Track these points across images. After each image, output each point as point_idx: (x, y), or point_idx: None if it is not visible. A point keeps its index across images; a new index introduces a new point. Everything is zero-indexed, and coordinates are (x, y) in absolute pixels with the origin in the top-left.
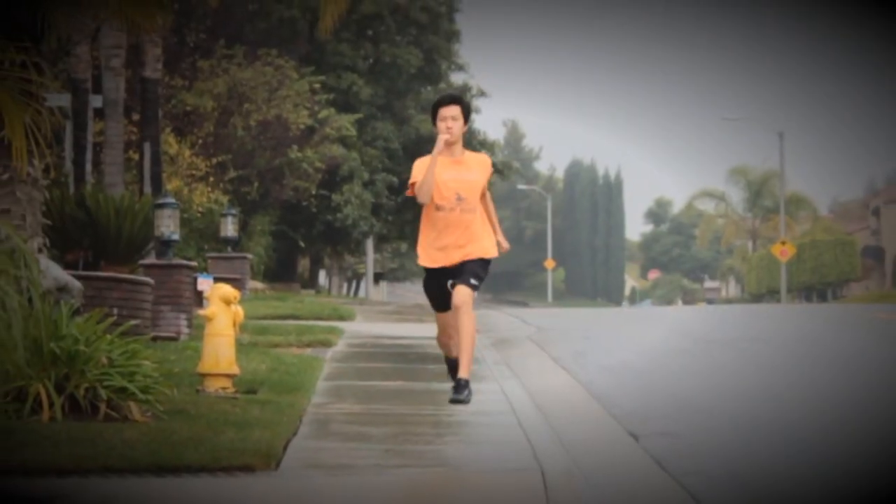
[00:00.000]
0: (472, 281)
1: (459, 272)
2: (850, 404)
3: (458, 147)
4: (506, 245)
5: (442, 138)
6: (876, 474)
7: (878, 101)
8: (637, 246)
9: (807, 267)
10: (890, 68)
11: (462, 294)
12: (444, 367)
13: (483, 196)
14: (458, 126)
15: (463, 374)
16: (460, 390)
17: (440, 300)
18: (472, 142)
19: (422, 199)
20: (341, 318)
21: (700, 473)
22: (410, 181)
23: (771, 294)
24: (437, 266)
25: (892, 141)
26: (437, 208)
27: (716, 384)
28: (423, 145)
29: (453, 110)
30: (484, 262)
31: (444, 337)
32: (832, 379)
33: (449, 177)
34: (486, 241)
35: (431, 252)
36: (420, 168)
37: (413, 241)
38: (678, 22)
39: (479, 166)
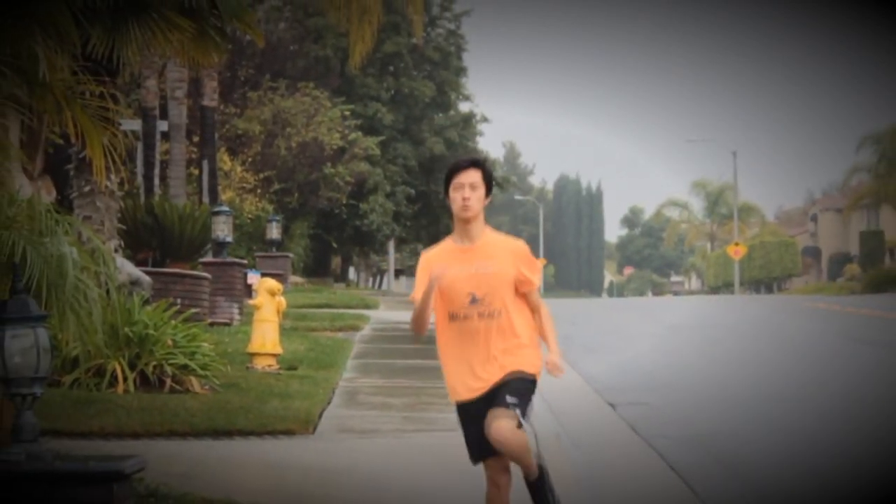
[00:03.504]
0: (510, 400)
1: (493, 398)
2: (793, 376)
3: (477, 226)
4: (560, 364)
5: (436, 276)
6: (809, 430)
7: (817, 124)
8: (614, 247)
9: (756, 264)
10: (827, 95)
11: (497, 421)
12: None
13: (530, 304)
14: (476, 197)
15: None
16: None
17: (477, 445)
18: None
19: (414, 329)
20: (367, 307)
21: (667, 437)
22: (411, 297)
23: (726, 287)
24: (464, 399)
25: (828, 158)
26: (450, 317)
27: (681, 362)
28: (436, 163)
29: (471, 176)
30: (524, 379)
31: (495, 491)
32: (778, 356)
33: (461, 272)
34: (523, 355)
35: (453, 378)
36: (420, 278)
37: (427, 242)
38: (649, 57)
39: (504, 254)
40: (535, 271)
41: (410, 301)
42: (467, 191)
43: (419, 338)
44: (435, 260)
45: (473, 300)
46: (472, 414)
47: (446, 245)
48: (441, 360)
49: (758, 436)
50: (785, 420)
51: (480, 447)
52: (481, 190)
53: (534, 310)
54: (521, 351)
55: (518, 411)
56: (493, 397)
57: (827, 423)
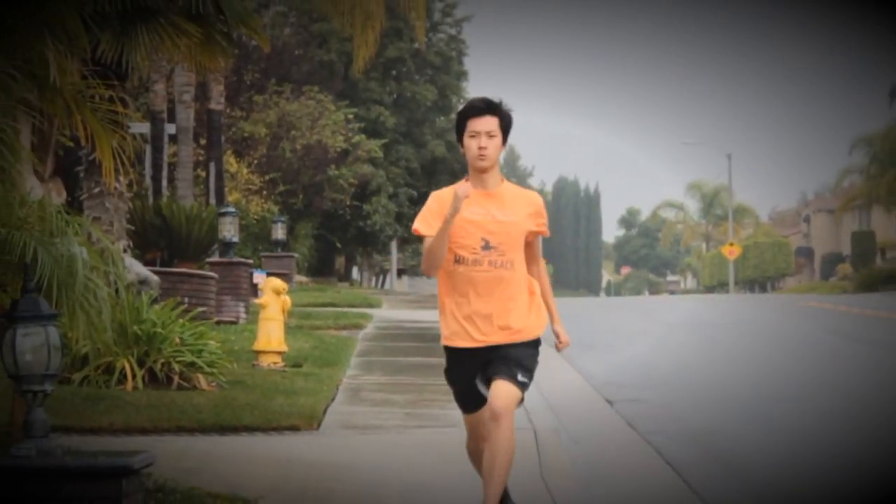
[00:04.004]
0: (520, 377)
1: (497, 359)
2: (787, 374)
3: (494, 175)
4: (565, 338)
5: (463, 191)
6: (804, 427)
7: (810, 127)
8: (612, 247)
9: (750, 264)
10: (820, 99)
11: (503, 395)
12: None
13: (531, 252)
14: (494, 145)
15: None
16: None
17: (468, 396)
18: None
19: (427, 269)
20: (370, 305)
21: (663, 433)
22: (416, 227)
23: (721, 286)
24: (462, 346)
25: (821, 160)
26: (457, 260)
27: (677, 359)
28: (438, 165)
29: (488, 123)
30: (533, 348)
31: (476, 442)
32: (772, 354)
33: (474, 214)
34: (533, 317)
35: (453, 324)
36: (435, 211)
37: None
38: (646, 62)
39: (522, 204)
40: (547, 222)
41: (415, 232)
42: (484, 139)
43: (432, 275)
44: (448, 198)
45: (486, 246)
46: (466, 364)
47: (453, 215)
48: (440, 303)
49: (754, 432)
50: (780, 417)
51: (466, 400)
52: (498, 138)
53: (533, 259)
54: (528, 312)
55: (523, 391)
56: (495, 356)
57: (823, 421)
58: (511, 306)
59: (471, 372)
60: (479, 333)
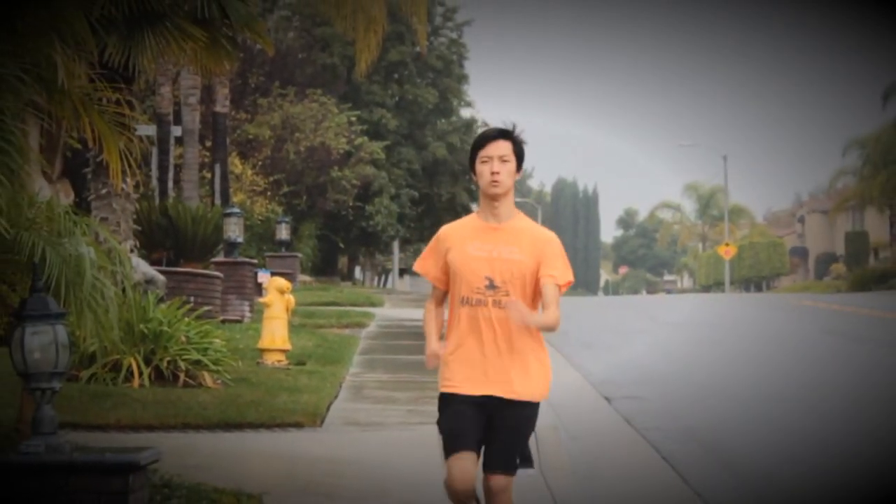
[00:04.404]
0: (513, 467)
1: (493, 441)
2: (782, 371)
3: (507, 205)
4: (519, 312)
5: (433, 361)
6: (798, 423)
7: (804, 129)
8: (610, 247)
9: (746, 264)
10: (814, 102)
11: (501, 482)
12: None
13: (544, 300)
14: (507, 171)
15: None
16: None
17: (455, 430)
18: None
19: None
20: (373, 304)
21: (660, 429)
22: (415, 266)
23: (717, 285)
24: (456, 392)
25: (815, 162)
26: (462, 300)
27: (673, 358)
28: (439, 167)
29: (501, 147)
30: (533, 410)
31: (456, 485)
32: (767, 352)
33: (478, 250)
34: (537, 376)
35: (457, 367)
36: (432, 249)
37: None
38: (644, 67)
39: (530, 242)
40: (561, 268)
41: (415, 270)
42: (496, 164)
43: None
44: (454, 233)
45: (491, 285)
46: (464, 408)
47: (470, 220)
48: (446, 345)
49: (750, 429)
50: (776, 414)
51: (452, 435)
52: (512, 163)
53: (545, 307)
54: (532, 370)
55: (516, 471)
56: (493, 424)
57: (818, 419)
58: (514, 356)
59: (466, 416)
60: (473, 383)
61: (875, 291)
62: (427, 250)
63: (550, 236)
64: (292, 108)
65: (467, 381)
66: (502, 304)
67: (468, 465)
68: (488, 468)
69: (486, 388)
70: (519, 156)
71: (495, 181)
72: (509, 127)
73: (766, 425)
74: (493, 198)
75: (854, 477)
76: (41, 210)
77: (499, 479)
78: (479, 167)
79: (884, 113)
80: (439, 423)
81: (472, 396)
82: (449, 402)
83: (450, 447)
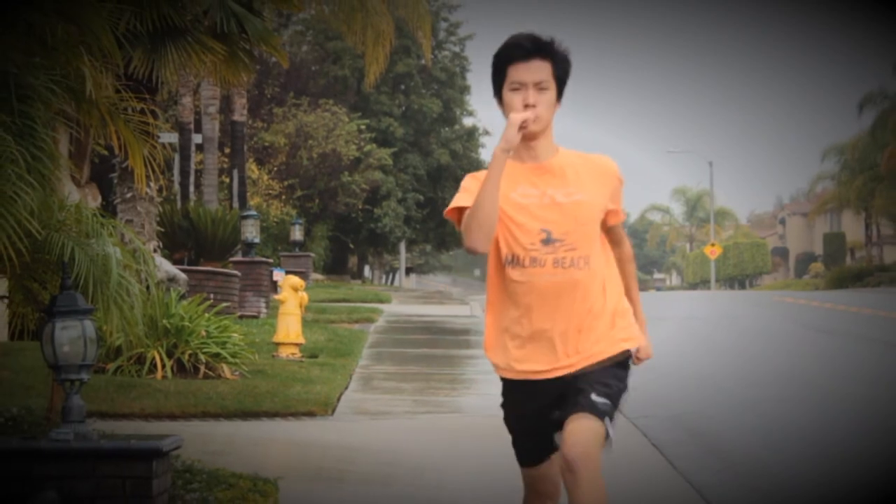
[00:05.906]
0: (600, 402)
1: (572, 392)
2: (764, 362)
3: (546, 144)
4: (646, 351)
5: (518, 118)
6: (781, 411)
7: (786, 136)
8: None
9: (730, 263)
10: (794, 110)
11: (581, 438)
12: (460, 338)
13: (612, 237)
14: (546, 102)
15: None
16: None
17: (528, 441)
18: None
19: (471, 243)
20: (381, 301)
21: (649, 416)
22: (453, 205)
23: (703, 283)
24: (521, 377)
25: (796, 167)
26: (509, 261)
27: (663, 349)
28: (443, 172)
29: (538, 70)
30: (620, 368)
31: (535, 501)
32: (750, 344)
33: (525, 197)
34: (622, 324)
35: (509, 346)
36: (472, 190)
37: (435, 243)
38: (637, 76)
39: (592, 175)
40: (620, 203)
41: (447, 215)
42: (532, 94)
43: (477, 247)
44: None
45: (548, 240)
46: (529, 401)
47: (502, 163)
48: (486, 322)
49: (733, 416)
50: (758, 402)
51: (526, 447)
52: (552, 91)
53: (616, 244)
54: (612, 325)
55: (608, 422)
56: (570, 388)
57: (796, 406)
58: (590, 320)
59: (536, 412)
60: (545, 361)
61: (851, 289)
62: (461, 191)
63: (610, 162)
64: (306, 117)
65: (522, 360)
66: (567, 263)
67: (539, 474)
68: (565, 414)
69: (551, 370)
70: (561, 79)
71: (531, 115)
72: (546, 39)
73: (750, 412)
74: (530, 137)
75: (828, 458)
76: (70, 213)
77: (581, 424)
78: (507, 96)
79: (860, 121)
80: (503, 408)
81: (535, 381)
82: (508, 389)
83: (518, 456)
